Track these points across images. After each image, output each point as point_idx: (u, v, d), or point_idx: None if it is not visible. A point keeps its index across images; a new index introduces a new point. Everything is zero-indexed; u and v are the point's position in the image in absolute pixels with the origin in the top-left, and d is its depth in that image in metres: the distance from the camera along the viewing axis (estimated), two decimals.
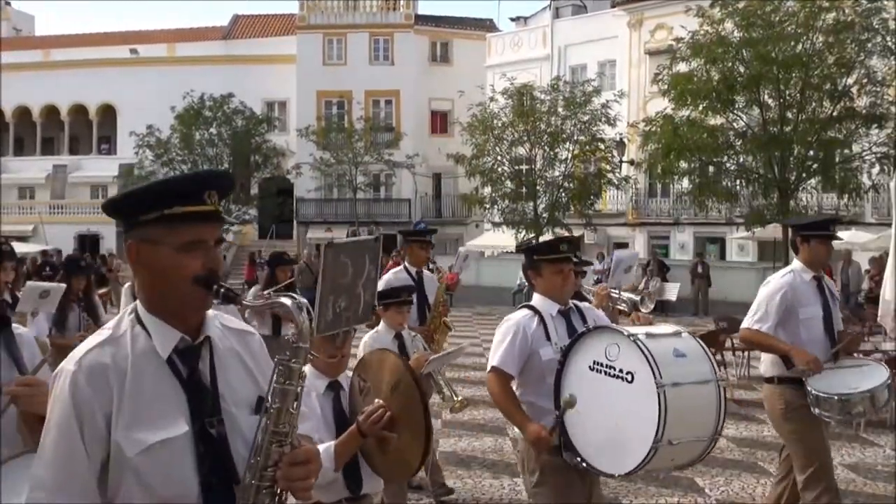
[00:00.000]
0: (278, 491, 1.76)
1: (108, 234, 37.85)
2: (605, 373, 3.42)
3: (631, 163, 26.79)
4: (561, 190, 25.95)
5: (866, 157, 19.54)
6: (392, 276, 6.43)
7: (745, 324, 4.80)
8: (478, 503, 6.23)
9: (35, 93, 39.88)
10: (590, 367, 3.48)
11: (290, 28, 39.73)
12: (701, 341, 3.55)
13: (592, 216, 26.76)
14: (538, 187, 25.99)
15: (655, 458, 3.22)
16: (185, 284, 1.74)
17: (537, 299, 3.92)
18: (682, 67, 19.48)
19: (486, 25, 40.64)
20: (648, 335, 3.42)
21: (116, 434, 1.67)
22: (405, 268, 6.51)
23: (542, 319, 3.81)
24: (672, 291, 18.83)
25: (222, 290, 1.75)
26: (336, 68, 37.55)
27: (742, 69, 18.84)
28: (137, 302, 1.83)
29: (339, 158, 33.21)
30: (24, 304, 5.48)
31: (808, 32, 18.55)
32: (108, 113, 40.85)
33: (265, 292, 7.12)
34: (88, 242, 37.01)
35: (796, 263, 4.81)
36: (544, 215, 25.84)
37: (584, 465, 3.48)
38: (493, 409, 8.94)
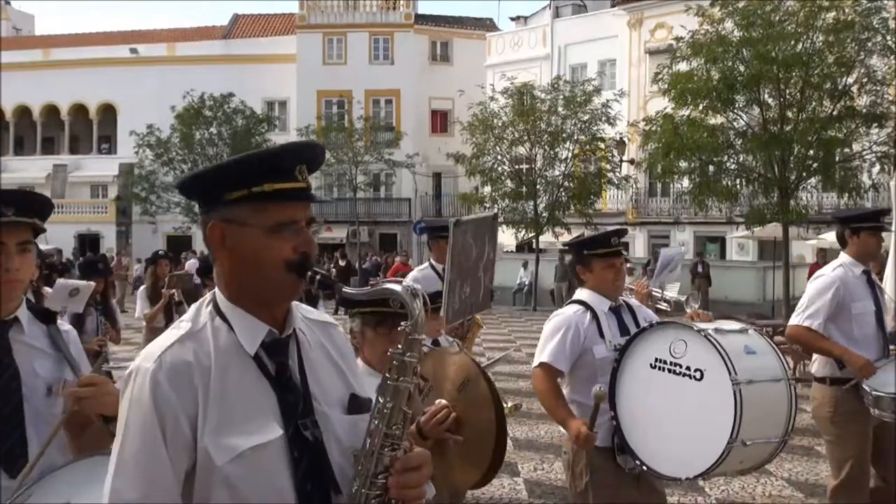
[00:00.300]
0: (388, 499, 1.58)
1: (108, 234, 37.90)
2: (670, 370, 3.25)
3: (631, 162, 26.79)
4: (561, 189, 25.95)
5: (866, 157, 19.54)
6: (419, 275, 5.99)
7: (794, 320, 4.55)
8: (478, 503, 6.23)
9: (35, 92, 39.91)
10: (651, 364, 3.32)
11: (290, 27, 39.75)
12: (768, 338, 3.40)
13: (592, 215, 26.76)
14: (538, 187, 25.99)
15: (727, 459, 3.06)
16: (277, 270, 1.56)
17: (587, 295, 3.73)
18: (682, 67, 19.47)
19: (486, 25, 40.66)
20: (717, 330, 3.23)
21: (204, 440, 1.50)
22: (431, 265, 6.06)
23: (594, 316, 3.65)
24: (672, 291, 18.84)
25: (318, 276, 1.57)
26: (336, 68, 37.57)
27: (742, 68, 18.82)
28: (216, 291, 1.65)
29: (339, 158, 33.20)
30: (52, 303, 5.33)
31: (808, 32, 18.54)
32: (108, 112, 40.87)
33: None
34: (88, 242, 37.03)
35: (845, 257, 4.57)
36: (544, 215, 25.84)
37: (644, 467, 3.32)
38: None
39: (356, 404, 1.67)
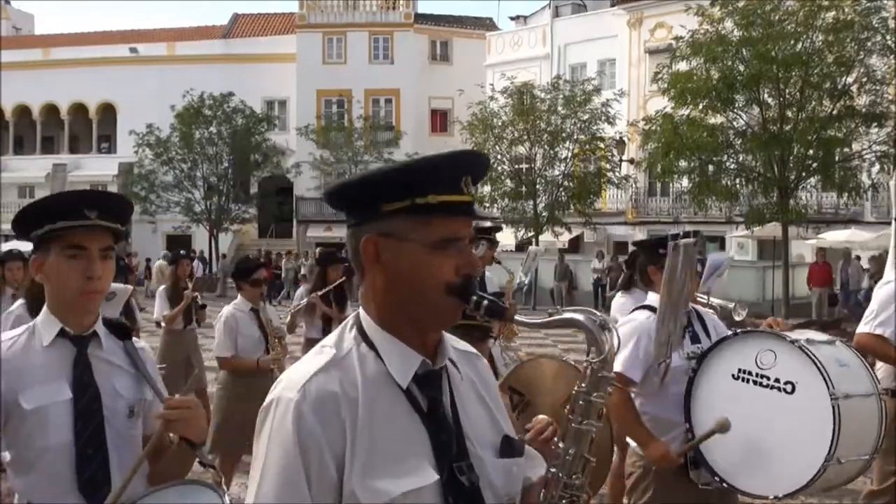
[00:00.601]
0: None
1: None
2: (756, 382, 3.07)
3: (631, 162, 26.81)
4: (561, 189, 25.97)
5: (866, 156, 19.57)
6: None
7: (863, 328, 4.33)
8: None
9: (35, 91, 39.87)
10: (734, 375, 3.14)
11: (289, 27, 39.73)
12: (856, 350, 3.26)
13: (592, 215, 26.78)
14: (538, 186, 26.01)
15: (822, 478, 2.89)
16: (436, 293, 1.40)
17: (656, 299, 3.47)
18: (681, 66, 19.50)
19: (486, 24, 40.64)
20: (809, 341, 3.04)
21: (351, 481, 1.34)
22: None
23: None
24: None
25: (485, 301, 1.40)
26: (336, 67, 37.55)
27: (742, 68, 18.86)
28: (360, 314, 1.48)
29: (338, 157, 33.23)
30: None
31: (808, 31, 18.58)
32: (107, 112, 40.84)
33: (312, 294, 6.89)
34: None
35: None
36: (544, 214, 25.86)
37: (725, 484, 3.13)
38: None
39: (509, 447, 1.50)
